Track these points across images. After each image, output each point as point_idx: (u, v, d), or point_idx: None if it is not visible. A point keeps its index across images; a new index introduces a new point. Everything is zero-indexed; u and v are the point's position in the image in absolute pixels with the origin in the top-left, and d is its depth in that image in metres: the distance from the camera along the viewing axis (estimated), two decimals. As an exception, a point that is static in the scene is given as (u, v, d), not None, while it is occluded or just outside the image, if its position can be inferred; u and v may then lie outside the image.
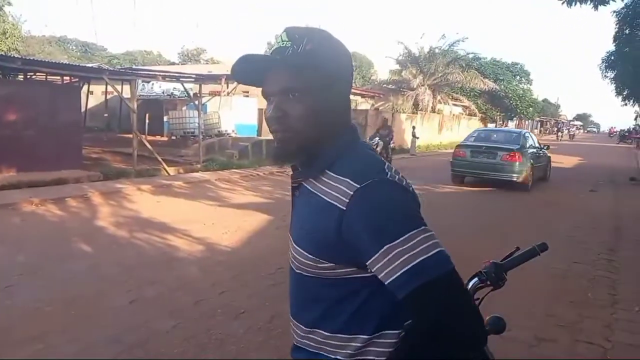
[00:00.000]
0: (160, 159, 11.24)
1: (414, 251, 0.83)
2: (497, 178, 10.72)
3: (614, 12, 14.29)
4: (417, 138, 21.25)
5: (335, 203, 0.91)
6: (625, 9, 13.97)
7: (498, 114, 38.91)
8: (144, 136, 12.44)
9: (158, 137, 18.46)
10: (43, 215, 6.72)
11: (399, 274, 0.83)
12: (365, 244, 0.86)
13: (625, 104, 19.74)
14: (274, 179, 11.27)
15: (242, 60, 0.97)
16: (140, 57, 51.20)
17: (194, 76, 13.86)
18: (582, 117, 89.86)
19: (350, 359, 0.96)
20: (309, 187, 0.99)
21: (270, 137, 1.00)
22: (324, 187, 0.95)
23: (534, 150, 11.60)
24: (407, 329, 0.92)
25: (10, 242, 5.38)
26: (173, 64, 46.80)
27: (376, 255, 0.85)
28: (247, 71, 0.98)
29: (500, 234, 6.40)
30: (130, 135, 11.94)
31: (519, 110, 39.85)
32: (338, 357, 0.96)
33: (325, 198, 0.93)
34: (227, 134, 17.29)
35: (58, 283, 4.19)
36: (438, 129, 27.09)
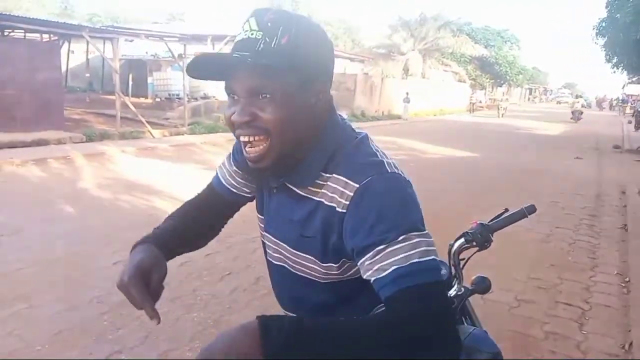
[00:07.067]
0: (144, 121, 11.02)
1: (407, 253, 0.77)
2: None
3: (608, -23, 14.08)
4: (408, 103, 21.19)
5: (334, 205, 0.86)
6: (619, -26, 13.76)
7: (487, 80, 38.78)
8: (127, 98, 12.15)
9: (142, 99, 18.10)
10: (24, 176, 6.59)
11: (387, 272, 0.77)
12: (360, 242, 0.81)
13: (614, 72, 19.71)
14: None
15: (201, 58, 0.82)
16: (123, 15, 49.50)
17: (177, 35, 13.44)
18: (570, 86, 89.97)
19: None
20: (298, 191, 0.91)
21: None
22: (319, 190, 0.88)
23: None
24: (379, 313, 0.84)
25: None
26: (157, 23, 45.32)
27: (369, 254, 0.79)
28: (207, 67, 0.84)
29: (487, 198, 6.45)
30: (113, 97, 11.66)
31: (508, 77, 39.74)
32: None
33: (324, 201, 0.87)
34: (213, 96, 16.98)
35: (41, 244, 4.14)
36: (427, 95, 26.98)
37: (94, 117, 12.98)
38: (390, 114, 21.34)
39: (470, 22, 36.13)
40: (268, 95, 0.81)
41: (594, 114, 37.28)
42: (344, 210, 0.84)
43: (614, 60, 18.38)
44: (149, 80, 19.08)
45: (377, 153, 0.89)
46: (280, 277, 1.03)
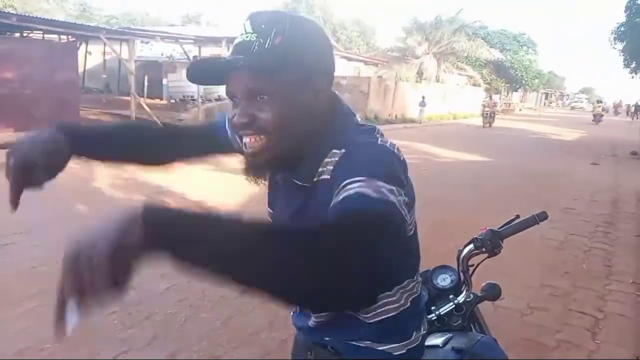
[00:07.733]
0: (159, 122, 11.13)
1: (370, 190, 0.69)
2: None
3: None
4: (425, 106, 21.16)
5: (326, 177, 0.85)
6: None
7: (503, 84, 38.40)
8: (142, 99, 12.27)
9: (157, 100, 18.27)
10: (40, 176, 6.69)
11: (340, 197, 0.70)
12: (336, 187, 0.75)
13: (633, 77, 19.34)
14: (273, 144, 11.18)
15: (200, 62, 0.88)
16: (140, 18, 50.14)
17: (192, 38, 13.56)
18: (588, 91, 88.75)
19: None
20: (302, 183, 0.90)
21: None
22: (320, 176, 0.88)
23: None
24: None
25: (6, 200, 5.35)
26: (173, 25, 45.86)
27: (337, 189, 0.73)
28: (206, 74, 0.86)
29: (498, 203, 6.37)
30: (129, 98, 11.79)
31: (524, 82, 39.31)
32: None
33: (319, 178, 0.87)
34: (227, 99, 17.10)
35: (54, 243, 4.17)
36: (442, 99, 26.79)
37: (110, 118, 13.13)
38: (404, 117, 21.24)
39: (487, 26, 35.84)
40: (266, 97, 0.82)
41: (611, 119, 36.71)
42: (329, 177, 0.84)
43: (633, 65, 18.08)
44: (164, 81, 19.28)
45: (377, 138, 0.86)
46: None
